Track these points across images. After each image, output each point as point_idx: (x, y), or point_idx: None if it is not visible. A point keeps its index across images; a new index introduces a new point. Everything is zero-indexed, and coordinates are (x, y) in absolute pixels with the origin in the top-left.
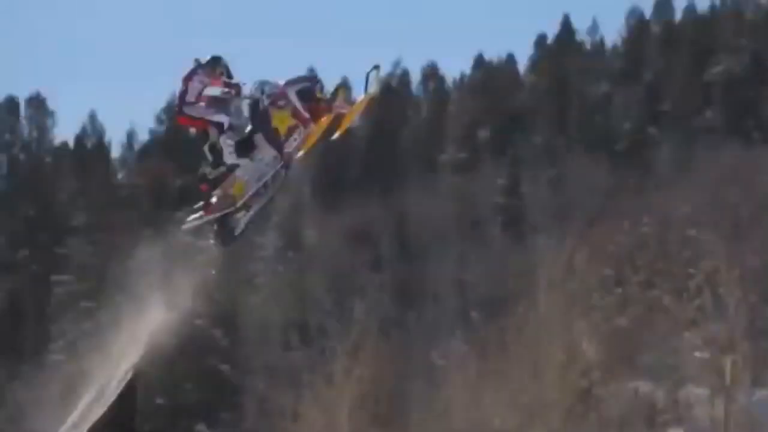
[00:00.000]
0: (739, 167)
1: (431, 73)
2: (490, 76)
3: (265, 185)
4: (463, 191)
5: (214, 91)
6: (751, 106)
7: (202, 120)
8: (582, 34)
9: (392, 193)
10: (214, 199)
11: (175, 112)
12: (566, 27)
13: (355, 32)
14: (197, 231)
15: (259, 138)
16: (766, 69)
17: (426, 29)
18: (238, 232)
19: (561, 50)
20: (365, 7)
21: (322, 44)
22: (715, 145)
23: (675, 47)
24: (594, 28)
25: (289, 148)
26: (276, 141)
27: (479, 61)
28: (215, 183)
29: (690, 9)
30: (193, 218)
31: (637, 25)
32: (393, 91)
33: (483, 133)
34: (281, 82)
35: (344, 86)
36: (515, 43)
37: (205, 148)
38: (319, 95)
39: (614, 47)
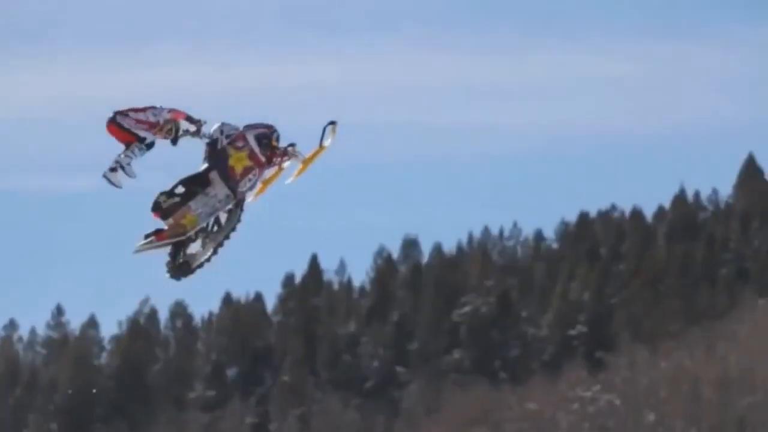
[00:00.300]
0: (486, 406)
1: (179, 311)
2: (238, 315)
3: (217, 221)
4: (212, 429)
5: (183, 125)
6: (498, 346)
7: (129, 132)
8: (330, 273)
9: (141, 430)
10: (165, 227)
11: (108, 119)
12: (314, 266)
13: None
14: (147, 256)
15: (214, 175)
16: (512, 310)
17: None
18: (194, 266)
19: (309, 289)
20: None
21: None
22: (463, 384)
23: (422, 287)
24: (342, 267)
25: (242, 188)
26: (231, 179)
27: (227, 300)
28: (168, 212)
29: (437, 250)
30: (145, 242)
31: (385, 265)
32: (141, 329)
33: (231, 371)
34: (240, 126)
35: (295, 144)
36: (263, 281)
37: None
38: (274, 144)
39: (362, 287)
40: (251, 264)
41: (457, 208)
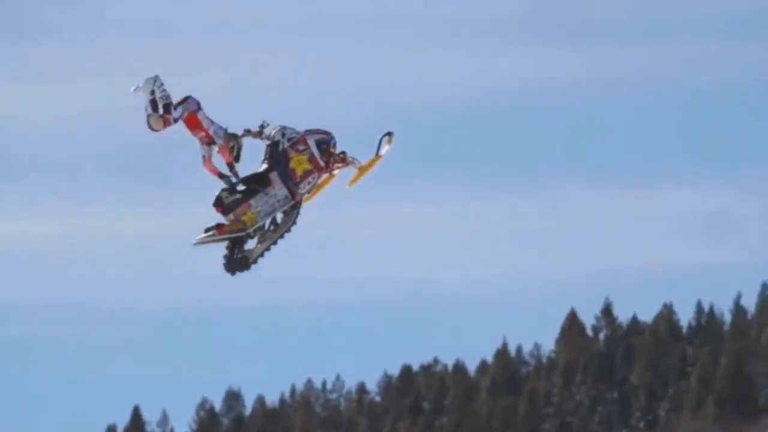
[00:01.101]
0: None
1: None
2: None
3: (274, 220)
4: None
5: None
6: None
7: (205, 129)
8: (152, 424)
9: None
10: (226, 222)
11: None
12: (136, 417)
13: None
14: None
15: (274, 175)
16: None
17: None
18: (251, 260)
19: None
20: None
21: None
22: None
23: None
24: (164, 419)
25: (301, 190)
26: (291, 181)
27: None
28: (229, 208)
29: (259, 402)
30: (206, 235)
31: (207, 416)
32: None
33: None
34: (301, 130)
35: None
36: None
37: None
38: (331, 150)
39: None
40: (72, 415)
41: (281, 360)
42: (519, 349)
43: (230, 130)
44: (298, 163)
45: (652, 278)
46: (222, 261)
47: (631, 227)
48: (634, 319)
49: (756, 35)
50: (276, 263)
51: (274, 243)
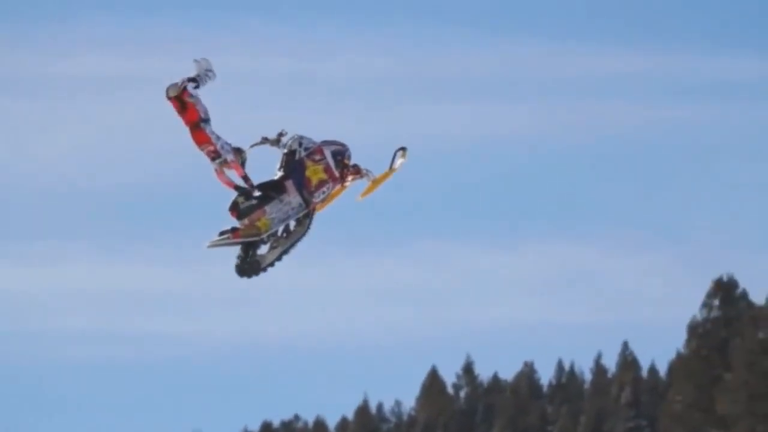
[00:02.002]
0: None
1: None
2: None
3: (287, 227)
4: None
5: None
6: None
7: (213, 144)
8: None
9: None
10: (240, 226)
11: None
12: None
13: None
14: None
15: (289, 183)
16: None
17: None
18: (264, 265)
19: None
20: None
21: None
22: None
23: None
24: None
25: (316, 199)
26: (306, 189)
27: None
28: (244, 212)
29: None
30: (220, 238)
31: None
32: None
33: None
34: (317, 141)
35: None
36: None
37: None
38: (346, 162)
39: None
40: None
41: (138, 415)
42: (380, 406)
43: (235, 144)
44: (314, 173)
45: (514, 337)
46: (235, 264)
47: (492, 285)
48: (495, 378)
49: (623, 95)
50: (134, 316)
51: (287, 251)
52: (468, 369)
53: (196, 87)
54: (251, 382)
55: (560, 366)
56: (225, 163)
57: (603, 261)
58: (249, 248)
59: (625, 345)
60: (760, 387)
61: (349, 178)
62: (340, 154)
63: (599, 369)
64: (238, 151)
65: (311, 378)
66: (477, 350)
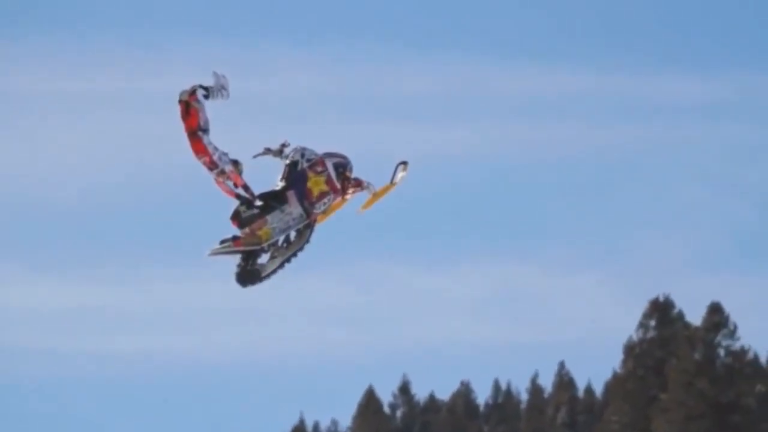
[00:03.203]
0: None
1: None
2: None
3: (288, 238)
4: None
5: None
6: None
7: (209, 154)
8: None
9: None
10: (242, 235)
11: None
12: None
13: None
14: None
15: (291, 194)
16: None
17: None
18: (263, 274)
19: None
20: None
21: None
22: None
23: None
24: None
25: (317, 210)
26: (307, 200)
27: None
28: (246, 221)
29: None
30: (221, 246)
31: None
32: None
33: None
34: (319, 152)
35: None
36: None
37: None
38: (347, 174)
39: None
40: None
41: None
42: (316, 426)
43: (232, 156)
44: (315, 184)
45: (450, 356)
46: (235, 272)
47: (429, 305)
48: (432, 397)
49: (563, 114)
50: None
51: (288, 260)
52: (404, 388)
53: (206, 97)
54: (187, 402)
55: (497, 386)
56: (223, 173)
57: (540, 281)
58: (249, 257)
59: (562, 365)
60: (696, 407)
61: (350, 190)
62: (342, 166)
63: (535, 389)
64: (236, 163)
65: (247, 397)
66: (414, 370)
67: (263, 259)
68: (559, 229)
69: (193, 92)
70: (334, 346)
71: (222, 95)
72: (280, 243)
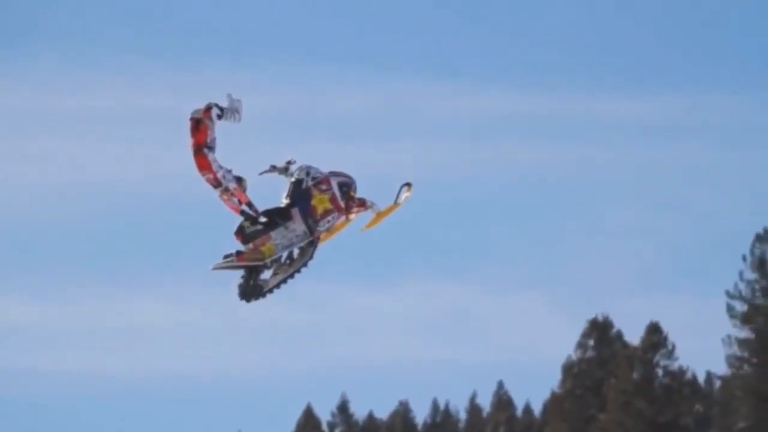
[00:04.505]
0: None
1: None
2: None
3: (291, 254)
4: None
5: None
6: None
7: (213, 171)
8: None
9: None
10: (245, 250)
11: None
12: None
13: None
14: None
15: (295, 211)
16: None
17: None
18: (265, 290)
19: None
20: None
21: None
22: None
23: None
24: None
25: (320, 227)
26: (311, 218)
27: None
28: (250, 237)
29: None
30: (225, 261)
31: None
32: None
33: None
34: (325, 171)
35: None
36: None
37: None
38: (351, 194)
39: None
40: None
41: None
42: None
43: (235, 173)
44: (320, 202)
45: (389, 375)
46: (237, 287)
47: (368, 324)
48: (370, 416)
49: (502, 135)
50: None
51: (291, 276)
52: (343, 407)
53: (219, 117)
54: (121, 420)
55: (435, 405)
56: (227, 191)
57: (479, 300)
58: (252, 273)
59: (500, 384)
60: (634, 427)
61: (354, 210)
62: (347, 185)
63: (474, 408)
64: (239, 180)
65: (185, 415)
66: (352, 388)
67: (266, 274)
68: (499, 248)
69: (208, 109)
70: (273, 364)
71: (234, 118)
72: (283, 259)
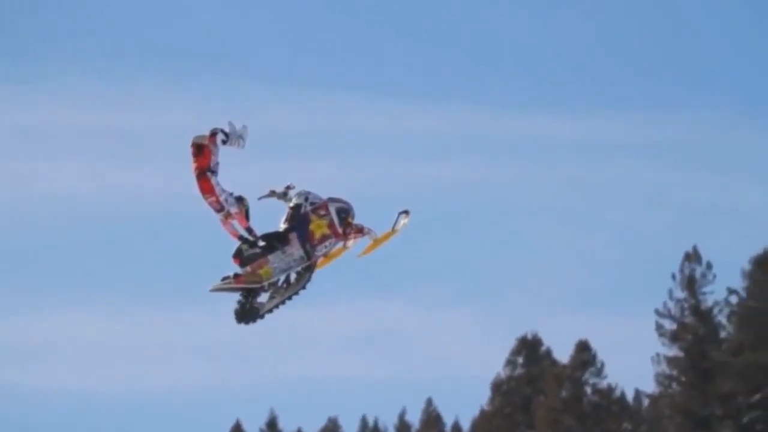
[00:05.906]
0: None
1: None
2: None
3: (288, 278)
4: None
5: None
6: None
7: (216, 195)
8: None
9: None
10: (243, 273)
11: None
12: None
13: None
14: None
15: (293, 236)
16: None
17: None
18: (262, 312)
19: None
20: None
21: None
22: None
23: None
24: None
25: (318, 252)
26: (308, 243)
27: None
28: (247, 260)
29: None
30: (222, 283)
31: None
32: None
33: None
34: (324, 197)
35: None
36: None
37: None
38: (349, 220)
39: None
40: None
41: None
42: None
43: (237, 194)
44: (318, 227)
45: (318, 391)
46: (234, 309)
47: (297, 339)
48: None
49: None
50: None
51: (289, 298)
52: (272, 423)
53: (224, 142)
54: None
55: (364, 421)
56: (229, 215)
57: (408, 317)
58: (249, 295)
59: (429, 401)
60: None
61: (352, 236)
62: (345, 212)
63: (403, 425)
64: (240, 200)
65: (118, 427)
66: (281, 404)
67: (263, 297)
68: (428, 265)
69: (213, 135)
70: (201, 380)
71: (238, 144)
72: (279, 283)
